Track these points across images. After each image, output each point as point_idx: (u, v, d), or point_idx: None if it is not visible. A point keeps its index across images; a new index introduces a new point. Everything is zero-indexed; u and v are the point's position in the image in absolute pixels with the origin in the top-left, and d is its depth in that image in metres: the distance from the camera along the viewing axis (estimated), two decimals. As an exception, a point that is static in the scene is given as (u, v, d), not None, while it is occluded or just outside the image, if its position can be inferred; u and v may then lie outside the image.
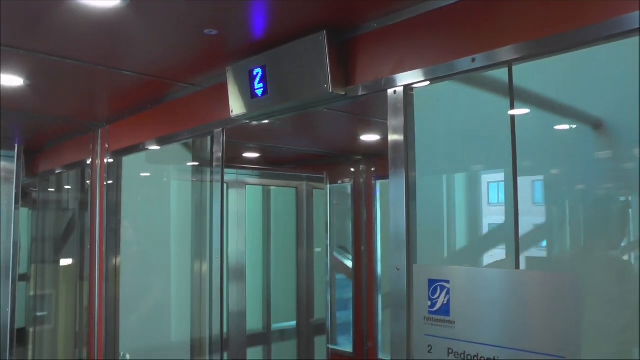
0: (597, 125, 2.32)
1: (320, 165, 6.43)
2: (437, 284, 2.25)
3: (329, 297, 6.40)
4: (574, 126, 2.50)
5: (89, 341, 5.05)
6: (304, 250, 6.24)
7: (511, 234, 2.11)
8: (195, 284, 4.45)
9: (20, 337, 6.21)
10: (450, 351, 2.20)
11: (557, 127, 2.81)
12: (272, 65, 3.03)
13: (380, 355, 5.86)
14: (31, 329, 6.67)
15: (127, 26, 2.83)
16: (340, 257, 6.44)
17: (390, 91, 2.54)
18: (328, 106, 3.00)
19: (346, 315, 6.32)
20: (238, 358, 5.63)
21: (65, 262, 6.19)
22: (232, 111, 3.31)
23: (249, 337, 5.78)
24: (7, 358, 5.43)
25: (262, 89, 3.09)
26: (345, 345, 6.31)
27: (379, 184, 6.02)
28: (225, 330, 3.69)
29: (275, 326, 6.22)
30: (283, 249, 6.36)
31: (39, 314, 6.61)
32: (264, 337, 6.17)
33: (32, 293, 6.75)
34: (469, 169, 3.19)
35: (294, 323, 6.23)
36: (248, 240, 5.81)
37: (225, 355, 4.32)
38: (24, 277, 6.51)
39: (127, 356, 4.70)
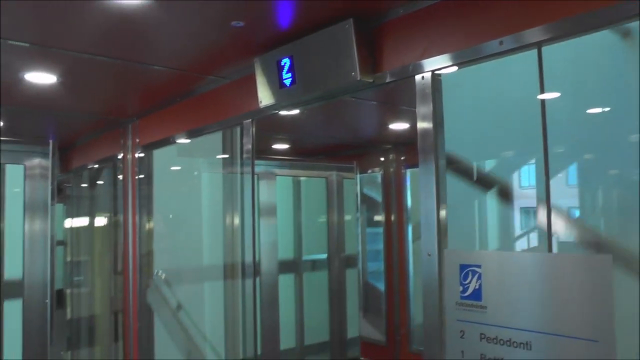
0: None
1: (350, 155, 6.43)
2: (468, 269, 2.25)
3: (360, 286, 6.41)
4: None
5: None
6: (335, 240, 6.26)
7: (543, 217, 2.09)
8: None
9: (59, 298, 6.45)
10: (483, 336, 2.19)
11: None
12: (299, 55, 3.04)
13: (413, 345, 5.85)
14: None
15: (155, 21, 2.86)
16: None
17: (417, 77, 2.54)
18: (356, 94, 3.00)
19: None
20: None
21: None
22: (260, 102, 3.33)
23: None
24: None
25: (290, 79, 3.10)
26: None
27: (409, 173, 6.00)
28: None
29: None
30: (314, 240, 6.38)
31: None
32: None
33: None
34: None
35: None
36: (279, 232, 5.84)
37: None
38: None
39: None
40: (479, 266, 2.21)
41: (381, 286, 6.26)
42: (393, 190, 6.17)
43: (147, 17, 2.79)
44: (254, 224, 3.66)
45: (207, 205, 5.24)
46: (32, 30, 2.99)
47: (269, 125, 4.35)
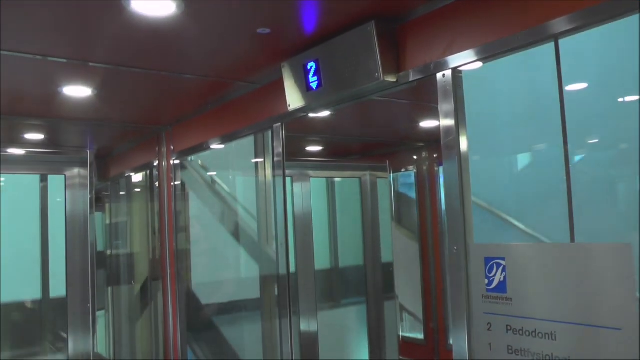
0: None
1: (383, 154, 6.46)
2: (493, 262, 2.28)
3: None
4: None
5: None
6: (370, 240, 6.28)
7: (565, 208, 2.11)
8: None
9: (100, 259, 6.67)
10: (509, 328, 2.22)
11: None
12: (324, 58, 3.10)
13: (451, 341, 5.85)
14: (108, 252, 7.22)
15: (184, 32, 2.95)
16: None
17: (439, 75, 2.58)
18: (381, 94, 3.04)
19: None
20: None
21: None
22: (289, 105, 3.41)
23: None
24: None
25: (316, 82, 3.17)
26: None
27: (442, 170, 6.00)
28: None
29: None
30: (349, 242, 6.42)
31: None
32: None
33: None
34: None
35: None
36: (315, 233, 5.89)
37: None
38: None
39: None
40: (502, 259, 2.24)
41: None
42: (427, 188, 6.19)
43: (177, 29, 2.89)
44: (286, 225, 3.73)
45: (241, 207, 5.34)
46: (67, 47, 3.13)
47: (300, 128, 4.42)
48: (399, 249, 6.41)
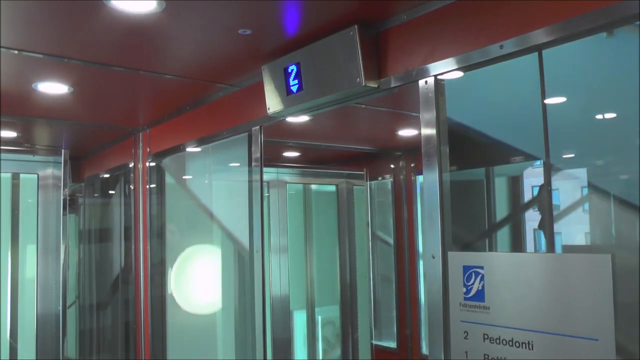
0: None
1: (360, 162, 6.46)
2: (471, 270, 2.27)
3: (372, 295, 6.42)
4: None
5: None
6: (346, 248, 6.27)
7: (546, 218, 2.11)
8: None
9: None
10: (486, 337, 2.21)
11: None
12: (306, 62, 3.08)
13: (424, 350, 5.85)
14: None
15: (164, 31, 2.92)
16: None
17: (421, 82, 2.57)
18: (362, 100, 3.03)
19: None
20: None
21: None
22: (268, 109, 3.38)
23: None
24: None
25: (297, 85, 3.15)
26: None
27: (419, 179, 6.02)
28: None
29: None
30: (325, 248, 6.40)
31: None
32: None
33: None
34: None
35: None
36: (290, 240, 5.86)
37: None
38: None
39: None
40: (481, 267, 2.24)
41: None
42: (403, 196, 6.19)
43: (157, 27, 2.85)
44: (262, 232, 3.70)
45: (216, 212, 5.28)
46: (44, 41, 3.06)
47: (278, 133, 4.39)
48: (374, 256, 6.41)
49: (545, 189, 2.14)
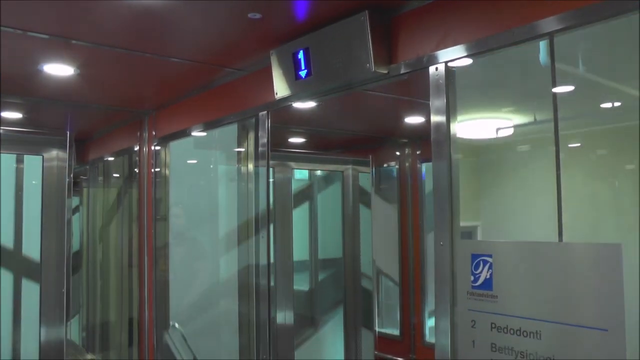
0: None
1: (366, 149, 6.43)
2: (479, 259, 2.26)
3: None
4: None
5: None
6: (351, 236, 6.25)
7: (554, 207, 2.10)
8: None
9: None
10: (493, 325, 2.20)
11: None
12: (315, 47, 3.06)
13: (427, 338, 5.86)
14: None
15: (173, 13, 2.89)
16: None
17: (431, 68, 2.55)
18: (371, 86, 3.01)
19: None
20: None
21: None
22: (276, 93, 3.36)
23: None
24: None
25: (305, 71, 3.12)
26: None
27: (424, 167, 6.00)
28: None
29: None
30: (330, 234, 6.39)
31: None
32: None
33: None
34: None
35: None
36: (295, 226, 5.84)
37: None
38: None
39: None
40: (490, 256, 2.22)
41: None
42: (409, 184, 6.17)
43: (165, 9, 2.82)
44: (268, 217, 3.68)
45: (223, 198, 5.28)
46: (50, 22, 3.04)
47: (285, 118, 4.38)
48: (379, 243, 6.39)
49: (556, 177, 2.12)
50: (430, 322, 5.84)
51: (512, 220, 3.75)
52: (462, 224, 2.43)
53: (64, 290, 5.47)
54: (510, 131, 3.45)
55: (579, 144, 3.02)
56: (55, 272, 5.59)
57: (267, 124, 3.68)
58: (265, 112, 3.68)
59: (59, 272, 5.61)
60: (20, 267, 5.69)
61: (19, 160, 5.79)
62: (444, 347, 2.42)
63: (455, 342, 2.38)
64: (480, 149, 3.56)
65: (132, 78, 4.24)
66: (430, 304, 5.84)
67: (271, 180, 3.78)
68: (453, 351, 2.38)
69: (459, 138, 2.50)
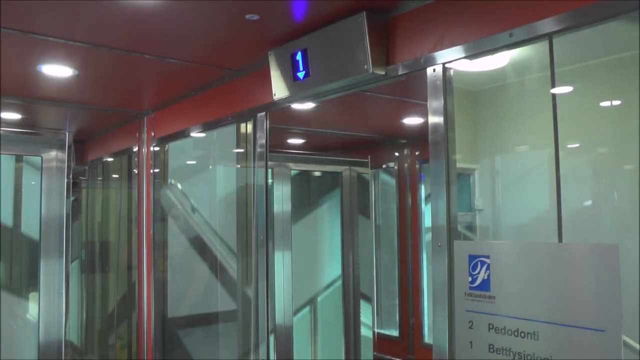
0: None
1: (365, 149, 6.44)
2: (477, 260, 2.26)
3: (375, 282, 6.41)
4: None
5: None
6: (351, 237, 6.25)
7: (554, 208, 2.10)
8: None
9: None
10: (491, 326, 2.20)
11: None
12: (313, 48, 3.06)
13: (427, 339, 5.86)
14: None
15: (172, 15, 2.89)
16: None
17: (429, 69, 2.55)
18: (369, 87, 3.01)
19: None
20: None
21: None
22: (274, 95, 3.36)
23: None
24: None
25: (303, 72, 3.13)
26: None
27: (423, 168, 6.00)
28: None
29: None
30: (329, 233, 6.38)
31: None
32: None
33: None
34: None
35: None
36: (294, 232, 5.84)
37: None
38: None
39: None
40: (487, 257, 2.23)
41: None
42: (407, 185, 6.18)
43: (164, 11, 2.82)
44: (267, 219, 3.68)
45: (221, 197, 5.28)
46: (49, 23, 3.04)
47: (283, 119, 4.38)
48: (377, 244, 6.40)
49: (555, 177, 2.12)
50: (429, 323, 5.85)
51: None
52: (460, 165, 2.42)
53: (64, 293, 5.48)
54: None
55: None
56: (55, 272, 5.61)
57: (266, 125, 3.69)
58: (264, 113, 3.68)
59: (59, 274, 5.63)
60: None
61: (19, 160, 5.80)
62: (442, 348, 2.42)
63: (453, 343, 2.38)
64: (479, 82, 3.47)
65: (131, 79, 4.23)
66: (428, 305, 5.84)
67: (270, 181, 3.79)
68: (451, 352, 2.38)
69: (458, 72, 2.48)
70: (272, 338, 3.73)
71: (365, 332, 6.00)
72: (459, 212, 2.46)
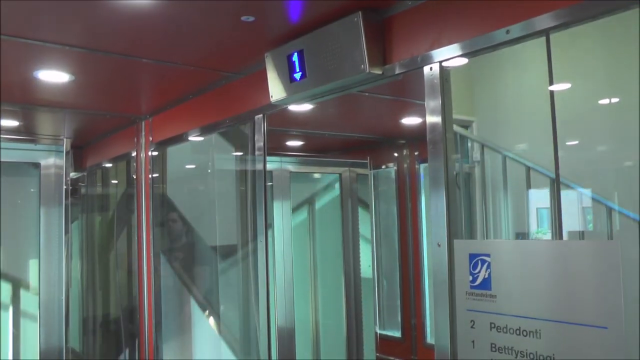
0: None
1: (364, 150, 6.42)
2: (477, 258, 2.24)
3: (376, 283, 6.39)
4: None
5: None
6: (350, 237, 6.24)
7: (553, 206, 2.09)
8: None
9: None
10: (493, 325, 2.19)
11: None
12: (309, 49, 3.05)
13: (429, 339, 5.84)
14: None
15: (167, 18, 2.88)
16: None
17: (426, 68, 2.54)
18: (366, 87, 3.00)
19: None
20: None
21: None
22: (272, 96, 3.35)
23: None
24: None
25: (300, 73, 3.11)
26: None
27: (422, 168, 5.98)
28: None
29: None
30: (329, 236, 6.38)
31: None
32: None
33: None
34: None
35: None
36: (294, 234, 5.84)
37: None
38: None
39: None
40: (487, 255, 2.21)
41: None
42: (407, 184, 6.16)
43: (159, 14, 2.81)
44: (266, 218, 3.67)
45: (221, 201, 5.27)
46: (45, 29, 3.03)
47: (281, 121, 4.36)
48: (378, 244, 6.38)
49: (555, 176, 2.11)
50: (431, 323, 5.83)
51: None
52: (458, 117, 2.40)
53: (63, 297, 5.47)
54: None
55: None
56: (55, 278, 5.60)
57: (263, 127, 3.67)
58: (261, 115, 3.67)
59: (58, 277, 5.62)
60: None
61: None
62: (444, 348, 2.40)
63: (454, 343, 2.36)
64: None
65: (128, 83, 4.22)
66: (430, 305, 5.82)
67: (269, 184, 3.77)
68: (453, 352, 2.37)
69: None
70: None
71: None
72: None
